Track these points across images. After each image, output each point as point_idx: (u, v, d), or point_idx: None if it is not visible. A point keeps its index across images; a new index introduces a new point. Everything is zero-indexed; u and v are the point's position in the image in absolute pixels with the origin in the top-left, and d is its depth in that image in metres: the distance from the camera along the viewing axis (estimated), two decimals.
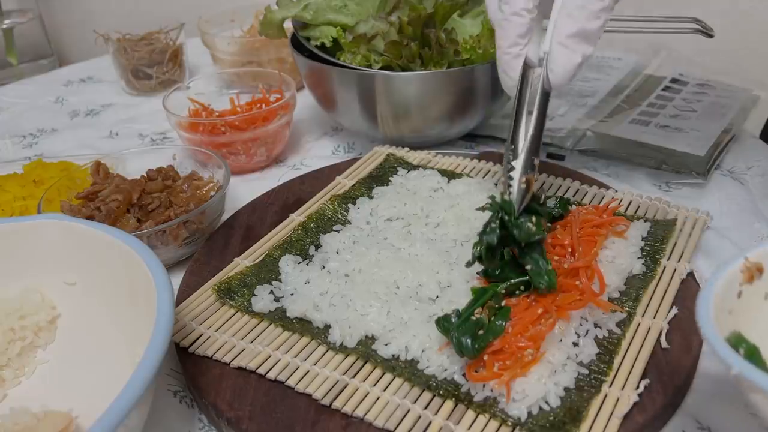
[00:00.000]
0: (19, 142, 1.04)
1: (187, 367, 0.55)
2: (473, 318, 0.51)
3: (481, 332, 0.50)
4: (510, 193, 0.57)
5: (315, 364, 0.54)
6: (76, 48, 1.67)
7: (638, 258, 0.61)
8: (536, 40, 0.59)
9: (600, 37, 0.56)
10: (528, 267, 0.54)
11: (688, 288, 0.59)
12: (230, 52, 1.10)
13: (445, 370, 0.51)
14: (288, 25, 0.88)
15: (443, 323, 0.51)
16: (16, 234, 0.59)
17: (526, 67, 0.59)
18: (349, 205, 0.73)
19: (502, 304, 0.53)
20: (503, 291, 0.54)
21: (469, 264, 0.55)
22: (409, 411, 0.49)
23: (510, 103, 0.93)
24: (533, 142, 0.58)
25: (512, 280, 0.55)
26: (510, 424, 0.47)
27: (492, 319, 0.52)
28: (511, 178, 0.58)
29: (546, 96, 0.59)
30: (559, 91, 0.57)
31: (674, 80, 1.00)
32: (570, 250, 0.59)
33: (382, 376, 0.52)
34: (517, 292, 0.55)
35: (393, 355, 0.53)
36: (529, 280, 0.54)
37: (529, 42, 0.59)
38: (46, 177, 0.82)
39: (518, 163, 0.58)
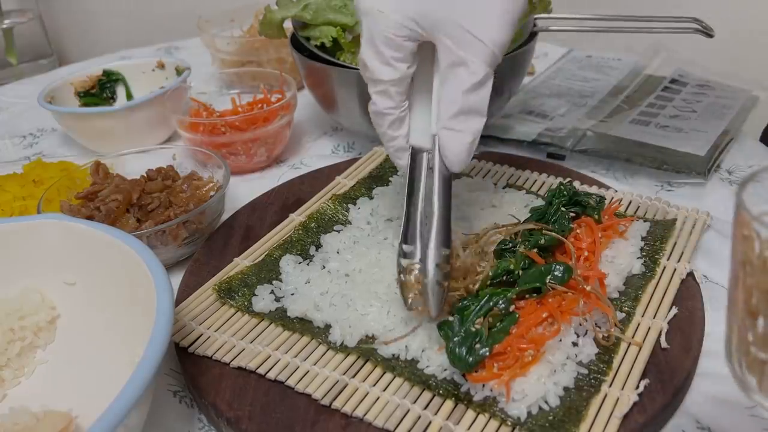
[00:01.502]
0: (19, 142, 1.04)
1: (186, 367, 0.55)
2: (472, 329, 0.50)
3: (477, 345, 0.49)
4: (427, 297, 0.51)
5: (315, 364, 0.54)
6: (76, 48, 1.68)
7: (638, 258, 0.61)
8: (420, 121, 0.55)
9: (486, 108, 0.52)
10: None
11: (688, 288, 0.59)
12: (230, 52, 1.10)
13: (445, 369, 0.51)
14: (288, 25, 0.88)
15: (445, 328, 0.51)
16: (15, 234, 0.59)
17: (416, 151, 0.55)
18: (350, 206, 0.73)
19: (511, 309, 0.52)
20: (514, 296, 0.53)
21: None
22: (408, 411, 0.49)
23: (510, 104, 0.93)
24: (440, 233, 0.52)
25: (525, 286, 0.54)
26: (510, 423, 0.47)
27: (498, 325, 0.51)
28: (405, 275, 0.51)
29: (447, 179, 0.54)
30: (459, 171, 0.54)
31: (674, 80, 1.00)
32: (586, 254, 0.59)
33: (382, 375, 0.52)
34: (528, 296, 0.54)
35: (393, 355, 0.53)
36: (540, 287, 0.53)
37: (405, 129, 0.55)
38: (45, 177, 0.82)
39: (429, 260, 0.51)
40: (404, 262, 0.52)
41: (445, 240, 0.52)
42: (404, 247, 0.53)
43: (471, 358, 0.49)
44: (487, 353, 0.49)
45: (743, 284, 0.35)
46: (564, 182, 0.67)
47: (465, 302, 0.52)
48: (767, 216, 0.33)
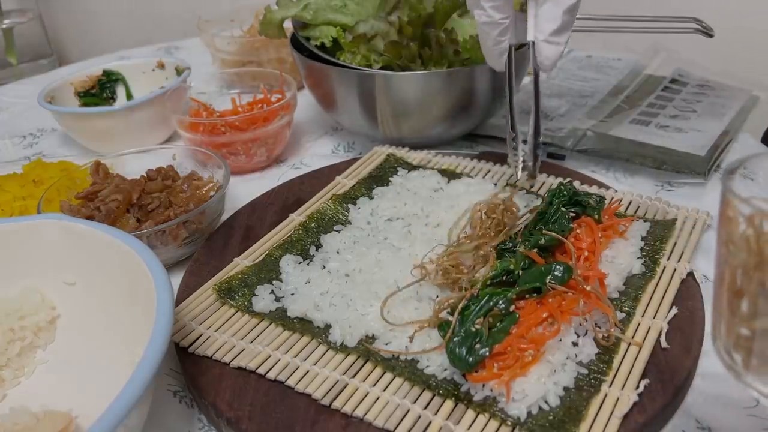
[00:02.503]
0: (19, 142, 1.04)
1: (186, 367, 0.55)
2: (473, 329, 0.50)
3: (477, 345, 0.49)
4: (519, 167, 0.68)
5: (315, 364, 0.54)
6: (76, 48, 1.68)
7: (638, 258, 0.61)
8: (515, 27, 0.67)
9: (572, 26, 0.65)
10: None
11: (688, 288, 0.59)
12: (230, 52, 1.10)
13: (445, 369, 0.51)
14: (288, 25, 0.88)
15: (445, 328, 0.51)
16: (15, 234, 0.59)
17: (512, 49, 0.68)
18: (350, 206, 0.73)
19: (511, 309, 0.52)
20: (514, 296, 0.53)
21: None
22: (408, 411, 0.49)
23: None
24: (536, 121, 0.67)
25: (525, 286, 0.54)
26: (510, 423, 0.47)
27: (498, 325, 0.51)
28: (516, 155, 0.68)
29: (537, 76, 0.67)
30: (547, 72, 0.68)
31: (674, 80, 1.00)
32: (586, 254, 0.59)
33: (382, 375, 0.52)
34: (528, 296, 0.54)
35: (393, 355, 0.53)
36: (540, 287, 0.54)
37: (510, 34, 0.67)
38: (45, 177, 0.82)
39: (529, 132, 0.67)
40: (513, 144, 0.68)
41: (539, 126, 0.67)
42: (511, 133, 0.69)
43: (471, 358, 0.49)
44: (487, 353, 0.49)
45: (728, 264, 0.36)
46: (564, 182, 0.67)
47: (465, 302, 0.52)
48: (752, 199, 0.34)
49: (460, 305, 0.52)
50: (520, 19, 0.66)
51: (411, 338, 0.53)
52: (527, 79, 1.06)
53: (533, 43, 0.65)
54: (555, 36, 0.64)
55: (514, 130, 0.68)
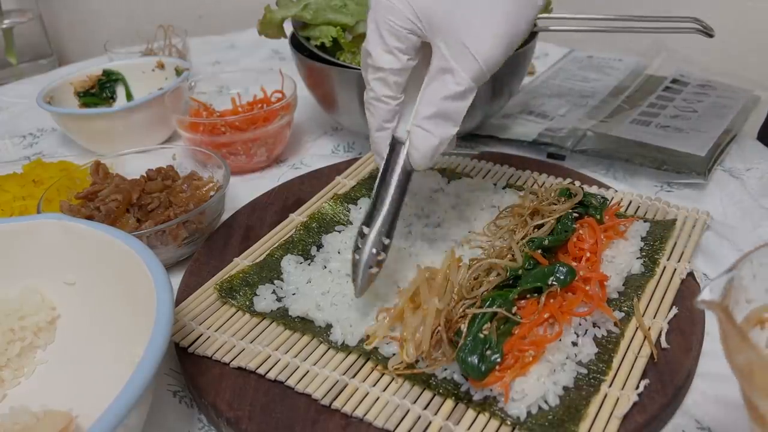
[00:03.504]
0: (19, 142, 1.04)
1: (186, 367, 0.55)
2: (481, 335, 0.50)
3: (488, 352, 0.49)
4: (356, 276, 0.55)
5: (315, 364, 0.54)
6: (76, 48, 1.67)
7: (637, 258, 0.61)
8: (408, 118, 0.57)
9: (460, 119, 0.54)
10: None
11: (688, 288, 0.59)
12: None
13: (445, 369, 0.51)
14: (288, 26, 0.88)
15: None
16: (15, 234, 0.59)
17: (395, 141, 0.57)
18: (351, 206, 0.73)
19: (513, 310, 0.52)
20: (515, 296, 0.53)
21: None
22: (408, 411, 0.49)
23: (510, 104, 0.93)
24: (385, 223, 0.55)
25: (526, 286, 0.54)
26: (510, 423, 0.47)
27: (501, 328, 0.51)
28: (357, 257, 0.56)
29: (407, 175, 0.57)
30: (421, 170, 0.56)
31: (675, 81, 1.00)
32: (588, 255, 0.59)
33: (382, 376, 0.52)
34: (529, 296, 0.54)
35: (393, 354, 0.53)
36: (541, 287, 0.54)
37: (399, 122, 0.57)
38: (45, 177, 0.82)
39: (366, 243, 0.55)
40: (360, 242, 0.56)
41: (388, 230, 0.56)
42: (364, 228, 0.56)
43: (483, 366, 0.48)
44: (499, 359, 0.48)
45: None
46: (568, 184, 0.67)
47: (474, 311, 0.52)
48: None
49: (470, 315, 0.51)
50: (412, 108, 0.56)
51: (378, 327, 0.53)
52: (528, 79, 1.06)
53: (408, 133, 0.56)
54: (430, 123, 0.53)
55: (369, 224, 0.56)
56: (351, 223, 0.70)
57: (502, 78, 0.69)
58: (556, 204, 0.63)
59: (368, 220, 0.56)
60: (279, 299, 0.61)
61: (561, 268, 0.54)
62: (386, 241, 0.55)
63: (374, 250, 0.55)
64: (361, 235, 0.56)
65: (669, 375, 0.51)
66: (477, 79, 0.53)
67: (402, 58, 0.53)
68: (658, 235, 0.64)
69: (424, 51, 0.54)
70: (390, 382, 0.52)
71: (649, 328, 0.54)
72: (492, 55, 0.52)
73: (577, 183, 0.74)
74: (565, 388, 0.49)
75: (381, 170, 0.57)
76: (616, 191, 0.73)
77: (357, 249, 0.56)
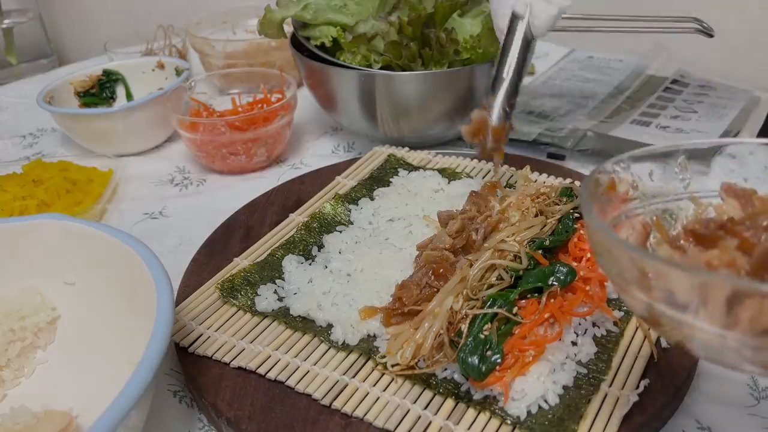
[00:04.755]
0: (19, 142, 1.04)
1: (186, 367, 0.55)
2: (481, 336, 0.50)
3: (489, 353, 0.49)
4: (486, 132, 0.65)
5: (315, 364, 0.54)
6: (76, 48, 1.67)
7: None
8: None
9: None
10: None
11: None
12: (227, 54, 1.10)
13: (445, 369, 0.51)
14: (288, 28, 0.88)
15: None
16: (15, 234, 0.59)
17: (514, 17, 0.67)
18: (352, 206, 0.73)
19: (514, 310, 0.52)
20: (516, 296, 0.53)
21: None
22: (409, 411, 0.49)
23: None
24: (512, 84, 0.66)
25: (527, 286, 0.54)
26: (510, 422, 0.47)
27: (501, 328, 0.51)
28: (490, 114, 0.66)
29: (527, 43, 0.66)
30: (540, 38, 0.67)
31: (675, 81, 1.00)
32: (588, 255, 0.59)
33: (382, 376, 0.52)
34: (529, 295, 0.54)
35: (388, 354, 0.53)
36: (542, 287, 0.54)
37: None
38: (45, 177, 0.82)
39: (496, 102, 0.65)
40: (486, 103, 0.66)
41: (514, 91, 0.66)
42: (489, 93, 0.67)
43: (484, 366, 0.48)
44: (500, 360, 0.49)
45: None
46: (570, 184, 0.67)
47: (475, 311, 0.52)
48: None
49: (471, 315, 0.51)
50: None
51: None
52: (528, 79, 1.06)
53: (528, 6, 0.65)
54: None
55: (495, 89, 0.67)
56: (352, 223, 0.70)
57: None
58: (558, 204, 0.63)
59: (493, 85, 0.66)
60: (280, 299, 0.61)
61: (561, 268, 0.54)
62: (513, 101, 0.66)
63: (506, 109, 0.65)
64: (488, 100, 0.66)
65: (669, 375, 0.51)
66: None
67: None
68: None
69: None
70: (390, 382, 0.52)
71: (649, 328, 0.54)
72: None
73: (577, 183, 0.74)
74: (565, 388, 0.49)
75: (502, 43, 0.67)
76: None
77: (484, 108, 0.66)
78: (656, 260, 0.34)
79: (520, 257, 0.56)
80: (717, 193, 0.40)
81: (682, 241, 0.37)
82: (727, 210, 0.39)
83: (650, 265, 0.32)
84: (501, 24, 0.68)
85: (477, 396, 0.49)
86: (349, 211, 0.72)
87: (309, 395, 0.51)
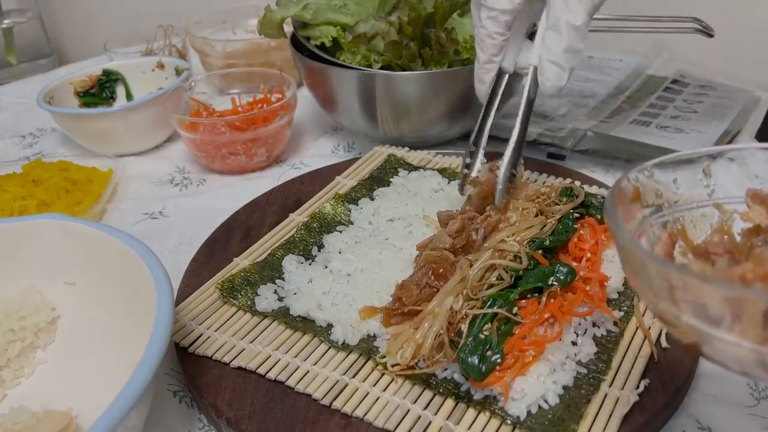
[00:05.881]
0: (19, 142, 1.04)
1: (186, 367, 0.55)
2: (481, 336, 0.50)
3: (489, 353, 0.49)
4: (465, 189, 0.65)
5: (315, 364, 0.54)
6: (76, 48, 1.67)
7: None
8: (511, 50, 0.64)
9: (582, 50, 0.60)
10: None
11: None
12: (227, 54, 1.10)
13: (445, 369, 0.51)
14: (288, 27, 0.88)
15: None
16: (15, 234, 0.59)
17: (499, 72, 0.65)
18: (352, 206, 0.73)
19: (514, 310, 0.52)
20: (516, 296, 0.53)
21: None
22: (409, 411, 0.49)
23: (510, 104, 0.93)
24: (515, 150, 0.63)
25: (527, 286, 0.54)
26: (510, 422, 0.47)
27: (501, 328, 0.51)
28: (466, 175, 0.65)
29: (530, 103, 0.63)
30: (550, 97, 0.66)
31: (675, 81, 1.00)
32: (588, 255, 0.59)
33: (382, 375, 0.52)
34: (529, 295, 0.54)
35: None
36: (542, 287, 0.54)
37: (504, 55, 0.64)
38: (45, 177, 0.82)
39: (501, 169, 0.62)
40: (468, 160, 0.66)
41: (517, 154, 0.63)
42: (471, 147, 0.66)
43: (484, 366, 0.48)
44: (500, 360, 0.49)
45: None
46: (571, 184, 0.67)
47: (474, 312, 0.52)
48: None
49: (471, 315, 0.51)
50: (516, 43, 0.64)
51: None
52: None
53: (534, 67, 0.62)
54: (563, 57, 0.59)
55: (477, 144, 0.66)
56: (352, 223, 0.70)
57: (502, 78, 0.69)
58: (558, 204, 0.63)
59: (475, 139, 0.65)
60: (280, 299, 0.61)
61: (561, 268, 0.54)
62: (516, 170, 0.63)
63: (513, 170, 0.63)
64: (471, 154, 0.65)
65: (669, 375, 0.51)
66: (590, 12, 0.59)
67: (514, 0, 0.59)
68: None
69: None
70: (390, 382, 0.52)
71: (649, 328, 0.54)
72: None
73: (577, 183, 0.74)
74: (565, 388, 0.49)
75: (490, 96, 0.66)
76: None
77: (466, 165, 0.66)
78: (689, 275, 0.33)
79: (520, 257, 0.56)
80: (742, 200, 0.39)
81: (708, 251, 0.36)
82: (753, 217, 0.38)
83: (681, 279, 0.31)
84: (484, 78, 0.65)
85: (477, 396, 0.49)
86: (349, 211, 0.72)
87: (309, 395, 0.51)
